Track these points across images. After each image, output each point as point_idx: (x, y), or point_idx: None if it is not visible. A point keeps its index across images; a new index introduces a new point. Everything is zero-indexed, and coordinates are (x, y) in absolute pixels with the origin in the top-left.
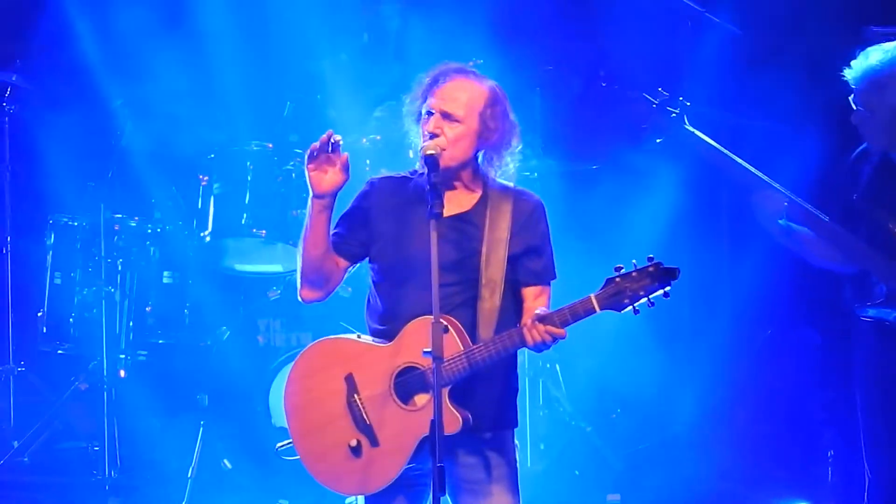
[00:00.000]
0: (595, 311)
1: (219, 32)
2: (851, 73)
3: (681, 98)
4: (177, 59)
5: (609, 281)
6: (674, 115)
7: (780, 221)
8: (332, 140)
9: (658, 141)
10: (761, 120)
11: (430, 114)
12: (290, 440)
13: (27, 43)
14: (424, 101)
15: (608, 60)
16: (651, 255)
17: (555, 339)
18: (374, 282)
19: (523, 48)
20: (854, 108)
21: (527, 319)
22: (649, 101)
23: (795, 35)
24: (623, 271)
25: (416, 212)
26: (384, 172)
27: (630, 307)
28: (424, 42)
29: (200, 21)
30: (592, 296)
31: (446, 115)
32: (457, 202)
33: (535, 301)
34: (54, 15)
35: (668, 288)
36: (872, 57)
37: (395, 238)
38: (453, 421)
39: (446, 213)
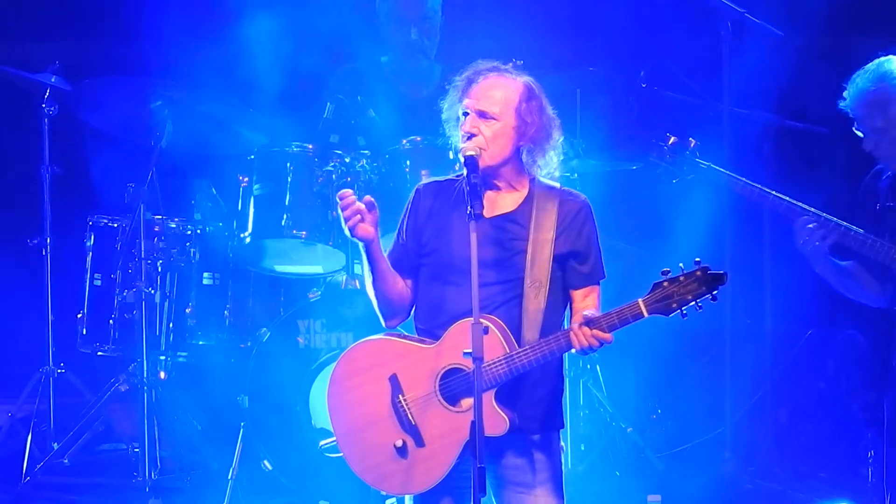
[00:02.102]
0: (643, 316)
1: (260, 33)
2: (847, 103)
3: (690, 139)
4: (217, 59)
5: (657, 285)
6: (686, 153)
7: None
8: (354, 207)
9: (674, 181)
10: (801, 121)
11: (466, 114)
12: (333, 439)
13: (66, 44)
14: (461, 102)
15: (648, 61)
16: (698, 259)
17: (601, 343)
18: (425, 279)
19: (564, 49)
20: (862, 136)
21: (575, 322)
22: (660, 146)
23: (836, 36)
24: (670, 276)
25: (460, 213)
26: (425, 177)
27: (678, 311)
28: (465, 42)
29: (241, 21)
30: (640, 301)
31: (482, 114)
32: (502, 202)
33: (584, 301)
34: (93, 16)
35: (715, 292)
36: (860, 81)
37: (441, 240)
38: (500, 422)
39: (491, 212)
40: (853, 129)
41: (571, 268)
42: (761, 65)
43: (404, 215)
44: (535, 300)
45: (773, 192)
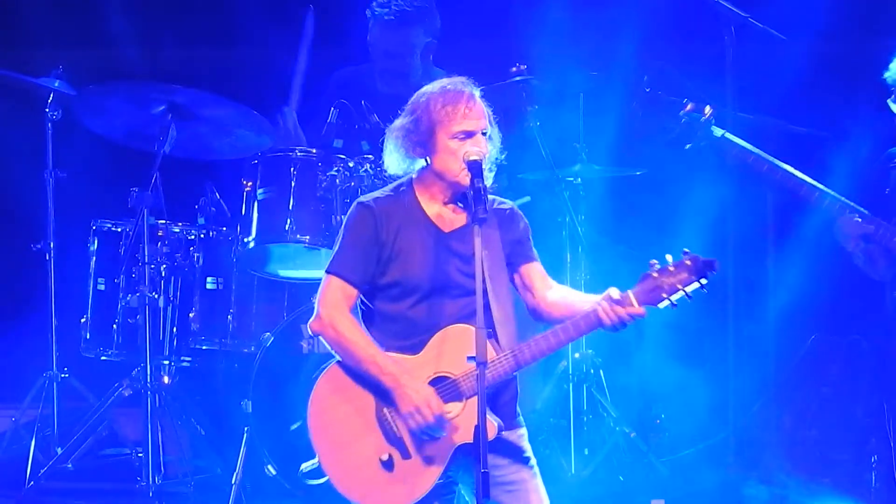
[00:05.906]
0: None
1: (264, 38)
2: (890, 74)
3: (707, 106)
4: (221, 64)
5: (645, 276)
6: (702, 120)
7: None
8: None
9: (687, 147)
10: (804, 126)
11: (469, 135)
12: (315, 460)
13: (70, 49)
14: (448, 124)
15: (652, 66)
16: (686, 249)
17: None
18: (386, 300)
19: (567, 53)
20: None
21: (541, 296)
22: (676, 109)
23: (839, 41)
24: (659, 266)
25: (421, 228)
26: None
27: (667, 301)
28: (468, 47)
29: (246, 26)
30: (630, 292)
31: (484, 133)
32: (458, 216)
33: (547, 280)
34: (97, 21)
35: (704, 280)
36: None
37: (411, 257)
38: (491, 427)
39: (450, 227)
40: (888, 100)
41: (518, 254)
42: (765, 70)
43: (364, 235)
44: (503, 303)
45: (791, 168)
